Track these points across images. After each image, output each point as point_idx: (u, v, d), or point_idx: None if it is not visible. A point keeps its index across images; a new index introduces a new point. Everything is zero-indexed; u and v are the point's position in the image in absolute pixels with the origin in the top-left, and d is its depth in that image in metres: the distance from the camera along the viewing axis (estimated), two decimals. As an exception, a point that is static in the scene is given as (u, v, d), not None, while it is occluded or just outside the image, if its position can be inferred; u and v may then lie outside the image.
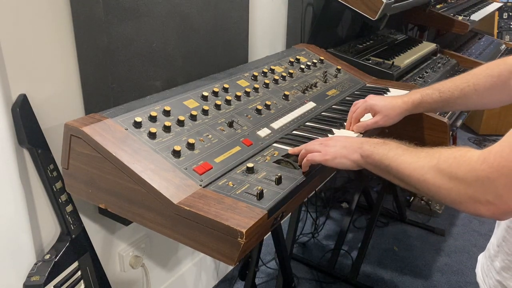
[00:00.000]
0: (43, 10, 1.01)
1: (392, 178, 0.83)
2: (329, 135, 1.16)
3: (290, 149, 1.03)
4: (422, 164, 0.75)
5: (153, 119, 0.99)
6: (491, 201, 0.64)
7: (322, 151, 0.94)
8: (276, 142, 1.10)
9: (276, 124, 1.17)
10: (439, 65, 2.16)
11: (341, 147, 0.93)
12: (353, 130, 1.19)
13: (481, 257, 0.99)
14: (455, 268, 2.11)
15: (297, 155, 1.00)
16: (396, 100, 1.18)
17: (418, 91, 1.18)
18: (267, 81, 1.33)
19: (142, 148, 0.91)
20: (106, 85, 1.08)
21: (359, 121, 1.20)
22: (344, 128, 1.22)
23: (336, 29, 2.11)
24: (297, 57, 1.56)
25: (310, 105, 1.34)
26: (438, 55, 2.29)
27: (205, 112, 1.09)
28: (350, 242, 2.29)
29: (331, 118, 1.28)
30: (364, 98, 1.22)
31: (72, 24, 1.06)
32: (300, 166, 0.97)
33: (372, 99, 1.19)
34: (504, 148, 0.62)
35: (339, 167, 0.93)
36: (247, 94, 1.23)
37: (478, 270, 0.98)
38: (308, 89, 1.41)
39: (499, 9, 3.41)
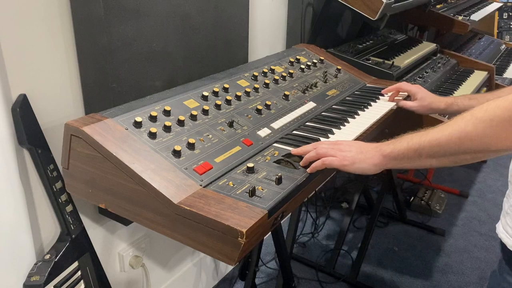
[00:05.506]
0: (43, 10, 1.00)
1: (423, 160, 0.85)
2: (329, 135, 1.16)
3: (293, 150, 1.02)
4: (456, 126, 0.78)
5: (153, 119, 0.99)
6: None
7: (338, 156, 0.94)
8: (276, 142, 1.10)
9: (276, 124, 1.17)
10: (439, 65, 2.16)
11: (357, 152, 0.94)
12: (392, 100, 1.42)
13: (501, 223, 0.99)
14: (455, 268, 2.11)
15: (298, 156, 1.00)
16: (434, 97, 1.36)
17: (453, 96, 1.35)
18: (267, 81, 1.33)
19: (143, 148, 0.91)
20: (106, 85, 1.08)
21: (398, 93, 1.43)
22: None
23: (336, 29, 2.11)
24: (297, 57, 1.56)
25: (310, 105, 1.34)
26: (438, 55, 2.29)
27: (205, 112, 1.09)
28: (350, 242, 2.29)
29: (331, 118, 1.28)
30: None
31: (72, 24, 1.06)
32: (303, 167, 0.96)
33: (420, 88, 1.38)
34: None
35: (357, 172, 0.95)
36: (247, 94, 1.23)
37: (500, 228, 0.97)
38: (308, 89, 1.41)
39: (499, 9, 3.42)
